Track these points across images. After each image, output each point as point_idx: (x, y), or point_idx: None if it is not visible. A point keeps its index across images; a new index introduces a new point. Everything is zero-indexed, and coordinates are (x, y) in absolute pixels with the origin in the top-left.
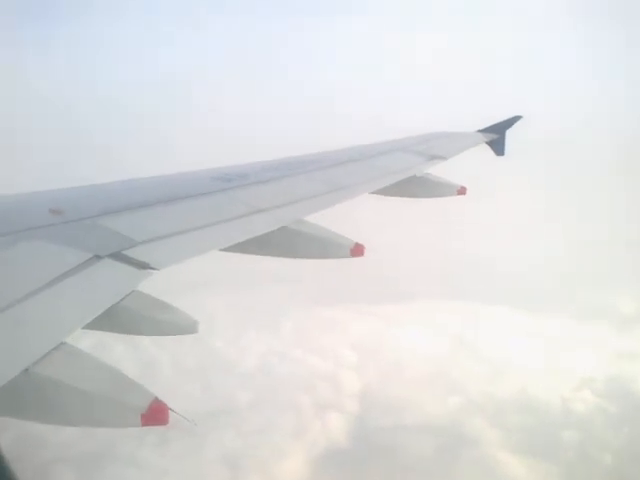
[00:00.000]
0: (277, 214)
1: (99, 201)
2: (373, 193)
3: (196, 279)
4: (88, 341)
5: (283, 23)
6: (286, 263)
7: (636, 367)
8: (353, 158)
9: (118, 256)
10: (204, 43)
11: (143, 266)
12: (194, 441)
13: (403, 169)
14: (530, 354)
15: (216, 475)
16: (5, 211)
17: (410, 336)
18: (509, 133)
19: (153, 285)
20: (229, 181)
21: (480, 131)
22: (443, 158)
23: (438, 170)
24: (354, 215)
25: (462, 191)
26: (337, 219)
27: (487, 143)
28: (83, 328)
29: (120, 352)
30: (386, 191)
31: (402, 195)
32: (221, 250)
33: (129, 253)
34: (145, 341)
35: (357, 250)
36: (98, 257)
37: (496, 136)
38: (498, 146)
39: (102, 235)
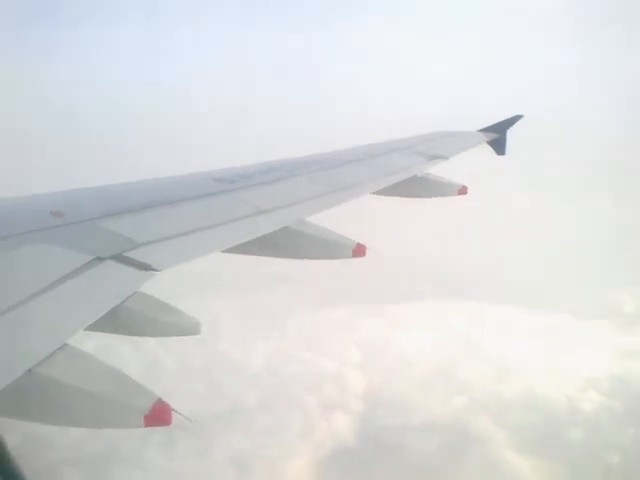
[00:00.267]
0: (279, 215)
1: (100, 203)
2: (374, 193)
3: (198, 280)
4: (94, 343)
5: (282, 22)
6: (288, 264)
7: None
8: (354, 159)
9: (120, 258)
10: (203, 43)
11: (145, 268)
12: (201, 442)
13: (404, 169)
14: (534, 353)
15: (223, 476)
16: (6, 214)
17: (414, 336)
18: (510, 132)
19: (155, 287)
20: (231, 182)
21: (481, 130)
22: (444, 158)
23: (439, 170)
24: (356, 215)
25: (463, 191)
26: (339, 219)
27: (488, 142)
28: (86, 330)
29: (126, 354)
30: (387, 191)
31: (403, 195)
32: (223, 251)
33: (131, 255)
34: (151, 343)
35: (359, 250)
36: (100, 259)
37: (497, 135)
38: (499, 145)
39: (103, 237)
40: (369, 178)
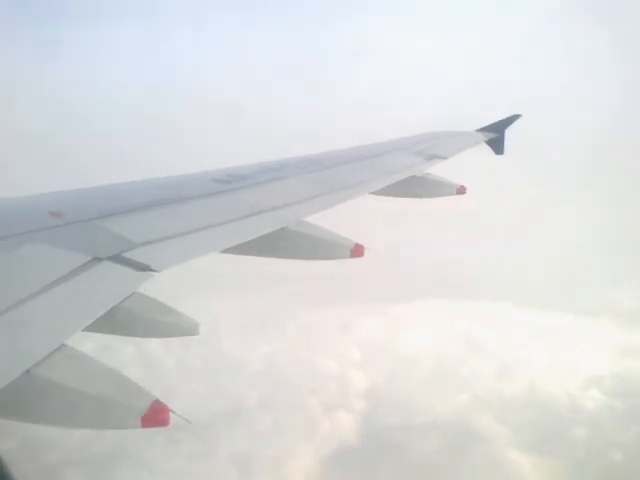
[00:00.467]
0: (277, 215)
1: (99, 203)
2: (373, 193)
3: (197, 281)
4: (95, 342)
5: (280, 21)
6: (286, 264)
7: None
8: (352, 159)
9: (118, 258)
10: (203, 42)
11: (143, 268)
12: (203, 442)
13: (403, 169)
14: (536, 351)
15: (226, 476)
16: (5, 214)
17: (415, 335)
18: (508, 132)
19: (154, 287)
20: (229, 182)
21: (479, 130)
22: (443, 157)
23: (438, 169)
24: (354, 216)
25: (462, 190)
26: (337, 220)
27: (486, 142)
28: (84, 330)
29: (128, 354)
30: (386, 191)
31: (402, 195)
32: (222, 252)
33: (129, 255)
34: (152, 343)
35: (357, 251)
36: (98, 259)
37: (495, 135)
38: (497, 145)
39: (102, 237)
40: (368, 178)
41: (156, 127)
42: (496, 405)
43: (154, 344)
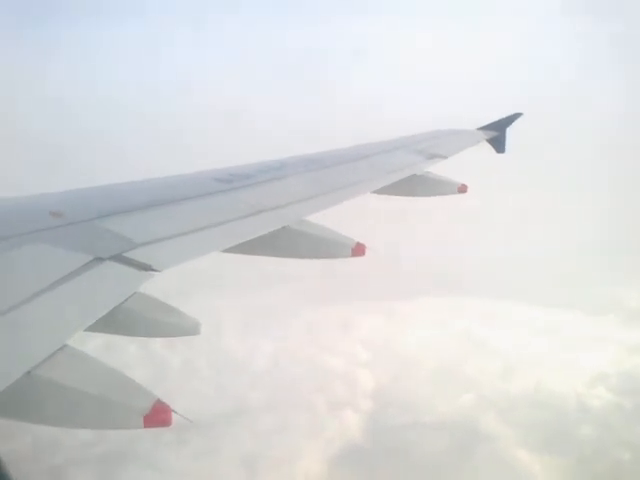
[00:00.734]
0: (278, 214)
1: (100, 203)
2: (374, 192)
3: (199, 280)
4: (99, 342)
5: (281, 20)
6: (288, 263)
7: None
8: (353, 158)
9: (120, 258)
10: (202, 42)
11: (145, 268)
12: (210, 442)
13: (404, 168)
14: (541, 350)
15: (233, 475)
16: (6, 214)
17: (418, 333)
18: (509, 130)
19: (155, 287)
20: (230, 182)
21: (480, 129)
22: (444, 156)
23: (439, 168)
24: (355, 214)
25: (463, 189)
26: (338, 219)
27: (488, 141)
28: (85, 330)
29: (131, 354)
30: (387, 190)
31: (403, 194)
32: (223, 251)
33: (131, 255)
34: (156, 343)
35: (358, 249)
36: (100, 259)
37: (497, 133)
38: (499, 143)
39: (103, 237)
40: (369, 177)
41: (156, 127)
42: (502, 404)
43: (157, 344)
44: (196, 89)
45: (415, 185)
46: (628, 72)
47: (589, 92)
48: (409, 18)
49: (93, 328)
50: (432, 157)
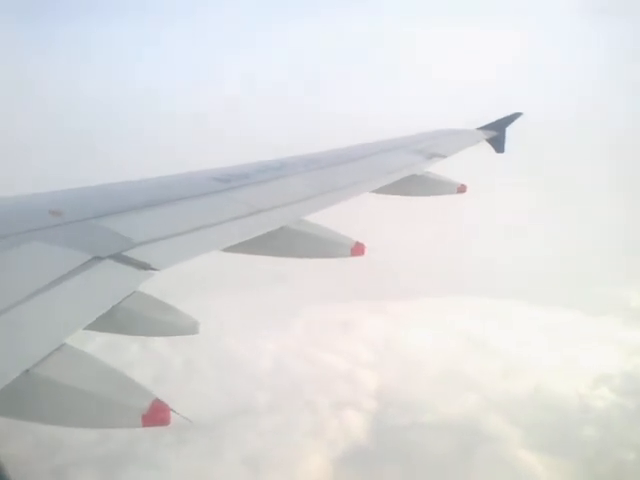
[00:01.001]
0: (277, 214)
1: (99, 202)
2: (373, 192)
3: (198, 280)
4: (100, 342)
5: (278, 18)
6: (287, 263)
7: None
8: (352, 157)
9: (118, 257)
10: (202, 42)
11: (144, 267)
12: (212, 442)
13: (403, 168)
14: (543, 350)
15: (235, 476)
16: (5, 213)
17: (419, 333)
18: (509, 130)
19: (154, 286)
20: (229, 181)
21: (480, 128)
22: (443, 156)
23: (438, 168)
24: (354, 214)
25: (462, 189)
26: (337, 218)
27: (487, 140)
28: (84, 329)
29: (132, 354)
30: (386, 190)
31: (402, 194)
32: (222, 250)
33: (129, 254)
34: (156, 342)
35: (358, 249)
36: (98, 258)
37: (496, 133)
38: (498, 143)
39: (102, 236)
40: (368, 177)
41: (155, 126)
42: (504, 404)
43: (156, 343)
44: (194, 88)
45: (414, 185)
46: (630, 71)
47: (590, 91)
48: (408, 16)
49: (92, 327)
50: (431, 157)
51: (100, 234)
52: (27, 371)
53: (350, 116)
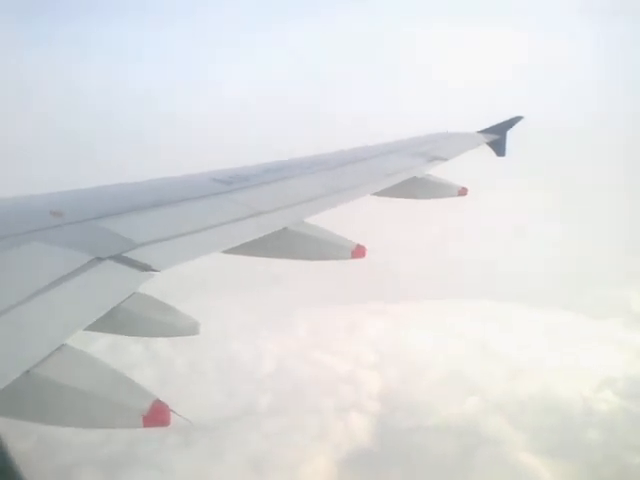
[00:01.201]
0: (278, 216)
1: (100, 203)
2: (374, 195)
3: (198, 281)
4: (102, 343)
5: (279, 18)
6: (287, 265)
7: None
8: (353, 160)
9: (119, 258)
10: (202, 42)
11: (144, 268)
12: (216, 444)
13: (404, 170)
14: (546, 353)
15: (239, 478)
16: (6, 213)
17: (421, 335)
18: (510, 134)
19: (154, 287)
20: (230, 183)
21: (481, 132)
22: (444, 159)
23: (439, 171)
24: (355, 217)
25: (463, 192)
26: (338, 221)
27: (488, 144)
28: (85, 330)
29: (135, 355)
30: (387, 192)
31: (403, 196)
32: (223, 252)
33: (130, 255)
34: (160, 344)
35: (358, 251)
36: (99, 259)
37: (497, 137)
38: (499, 147)
39: (103, 237)
40: (369, 179)
41: (157, 127)
42: (508, 407)
43: (160, 344)
44: (195, 90)
45: (415, 188)
46: (631, 73)
47: (591, 94)
48: (409, 16)
49: (92, 328)
50: (432, 160)
51: (101, 235)
52: (27, 372)
53: (350, 116)
